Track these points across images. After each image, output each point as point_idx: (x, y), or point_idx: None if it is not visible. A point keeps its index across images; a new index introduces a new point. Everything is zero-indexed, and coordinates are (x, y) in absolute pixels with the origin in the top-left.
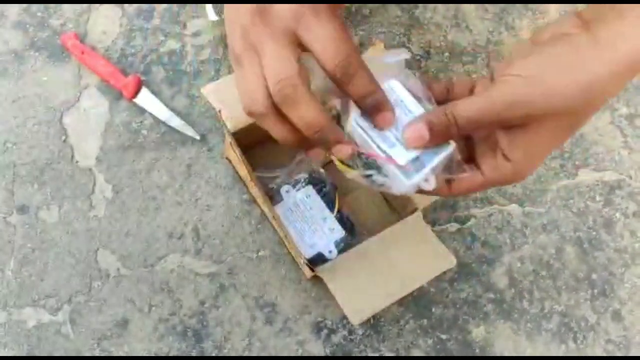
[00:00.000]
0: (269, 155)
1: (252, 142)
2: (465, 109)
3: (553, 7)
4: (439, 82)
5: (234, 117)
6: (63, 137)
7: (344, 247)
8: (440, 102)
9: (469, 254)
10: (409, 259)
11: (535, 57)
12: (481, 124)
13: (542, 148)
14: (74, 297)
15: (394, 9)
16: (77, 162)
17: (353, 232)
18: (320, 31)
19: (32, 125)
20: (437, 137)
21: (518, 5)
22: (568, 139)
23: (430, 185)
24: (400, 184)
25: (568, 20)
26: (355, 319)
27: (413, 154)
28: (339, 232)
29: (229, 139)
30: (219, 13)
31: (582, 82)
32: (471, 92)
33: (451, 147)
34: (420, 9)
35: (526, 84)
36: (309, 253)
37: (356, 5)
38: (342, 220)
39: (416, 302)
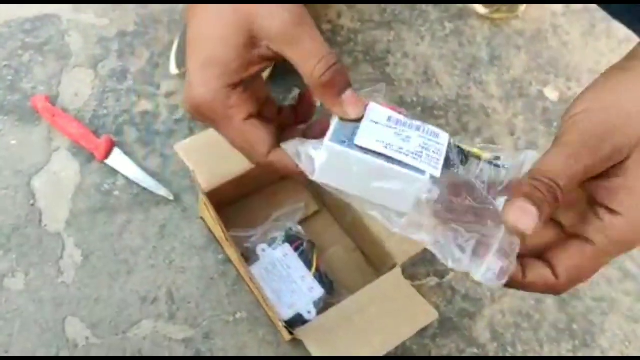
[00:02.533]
0: (245, 213)
1: (227, 200)
2: (556, 163)
3: (517, 62)
4: None
5: (208, 176)
6: (31, 201)
7: (323, 306)
8: None
9: (450, 308)
10: (390, 315)
11: (604, 87)
12: (581, 173)
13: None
14: None
15: (365, 66)
16: (45, 226)
17: (332, 290)
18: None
19: None
20: (547, 212)
21: (484, 62)
22: None
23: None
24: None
25: (620, 62)
26: None
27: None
28: (318, 291)
29: (203, 198)
30: (180, 67)
31: None
32: None
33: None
34: (391, 66)
35: (608, 112)
36: (288, 314)
37: None
38: (321, 278)
39: None
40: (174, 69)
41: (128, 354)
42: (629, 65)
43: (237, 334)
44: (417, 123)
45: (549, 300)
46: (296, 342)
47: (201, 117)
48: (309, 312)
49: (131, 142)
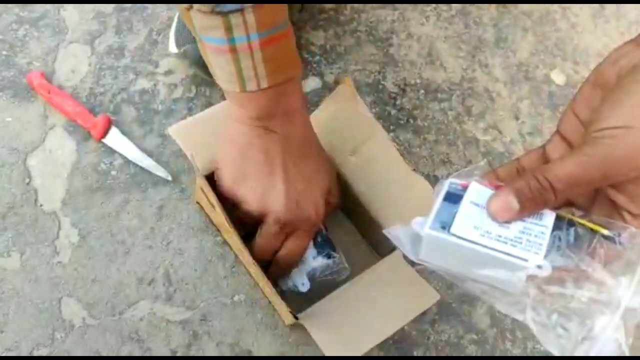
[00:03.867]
0: None
1: None
2: (562, 169)
3: (524, 45)
4: (503, 166)
5: (206, 160)
6: (27, 180)
7: (324, 277)
8: None
9: (450, 293)
10: (391, 298)
11: (623, 103)
12: (585, 185)
13: None
14: (35, 349)
15: (368, 47)
16: (41, 205)
17: (333, 256)
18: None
19: None
20: (529, 207)
21: (490, 44)
22: None
23: (546, 271)
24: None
25: (628, 51)
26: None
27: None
28: (318, 261)
29: (200, 183)
30: (180, 46)
31: None
32: (547, 162)
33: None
34: (394, 47)
35: (630, 132)
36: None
37: (331, 43)
38: (325, 242)
39: (397, 345)
40: (173, 48)
41: (125, 335)
42: None
43: (234, 316)
44: None
45: None
46: (293, 325)
47: (295, 226)
48: (302, 284)
49: (129, 121)
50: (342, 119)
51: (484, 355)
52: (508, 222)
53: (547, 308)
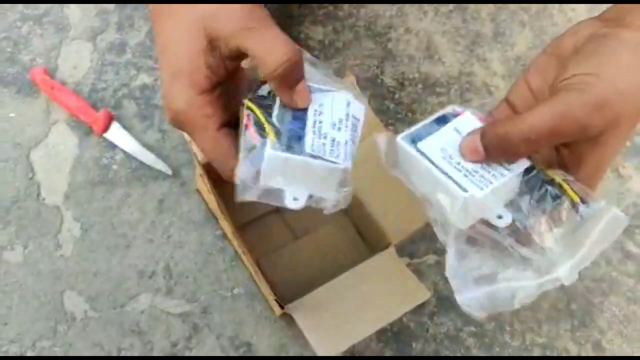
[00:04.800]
0: None
1: None
2: (540, 119)
3: (522, 39)
4: (499, 104)
5: None
6: (30, 174)
7: None
8: None
9: (448, 286)
10: (382, 293)
11: (585, 60)
12: (558, 135)
13: (609, 157)
14: (38, 342)
15: (367, 42)
16: (43, 199)
17: None
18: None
19: None
20: (495, 154)
21: (488, 38)
22: None
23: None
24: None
25: (587, 24)
26: (322, 351)
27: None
28: None
29: (199, 170)
30: None
31: None
32: None
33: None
34: (393, 41)
35: (602, 83)
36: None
37: (329, 38)
38: None
39: (396, 337)
40: None
41: (126, 328)
42: (610, 33)
43: (234, 309)
44: None
45: None
46: (292, 318)
47: (180, 127)
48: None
49: (130, 116)
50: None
51: (482, 347)
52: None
53: (478, 251)
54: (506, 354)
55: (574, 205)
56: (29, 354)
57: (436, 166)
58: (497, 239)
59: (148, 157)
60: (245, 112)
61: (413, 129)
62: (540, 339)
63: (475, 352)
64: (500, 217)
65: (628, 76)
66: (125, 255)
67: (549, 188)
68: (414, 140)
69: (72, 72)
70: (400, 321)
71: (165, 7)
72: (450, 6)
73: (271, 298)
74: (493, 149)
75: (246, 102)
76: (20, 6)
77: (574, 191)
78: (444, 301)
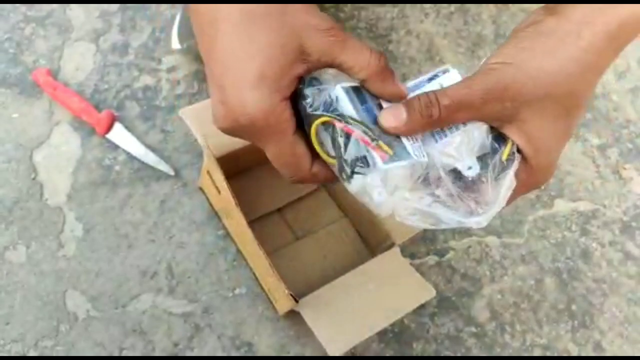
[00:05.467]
0: (251, 184)
1: (232, 171)
2: (451, 91)
3: None
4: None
5: (216, 143)
6: (32, 175)
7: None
8: None
9: (449, 287)
10: (388, 291)
11: (514, 45)
12: (466, 107)
13: (547, 137)
14: (40, 341)
15: (368, 43)
16: (46, 200)
17: None
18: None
19: (1, 163)
20: (416, 119)
21: (489, 40)
22: (575, 124)
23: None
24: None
25: (536, 10)
26: (333, 350)
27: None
28: None
29: (209, 165)
30: (183, 42)
31: (563, 64)
32: None
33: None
34: (394, 43)
35: (513, 70)
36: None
37: None
38: None
39: (397, 338)
40: (175, 44)
41: (128, 328)
42: (540, 20)
43: (236, 309)
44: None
45: (549, 280)
46: (294, 318)
47: (249, 132)
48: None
49: (132, 117)
50: None
51: (483, 347)
52: (395, 130)
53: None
54: (507, 355)
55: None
56: (31, 353)
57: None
58: (449, 186)
59: (150, 158)
60: (342, 125)
61: (409, 82)
62: (541, 340)
63: (475, 353)
64: (470, 167)
65: (541, 60)
66: (127, 255)
67: (495, 144)
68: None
69: (75, 73)
70: (401, 322)
71: (232, 22)
72: (452, 8)
73: (286, 292)
74: (414, 112)
75: (330, 118)
76: (23, 7)
77: (509, 150)
78: (445, 302)
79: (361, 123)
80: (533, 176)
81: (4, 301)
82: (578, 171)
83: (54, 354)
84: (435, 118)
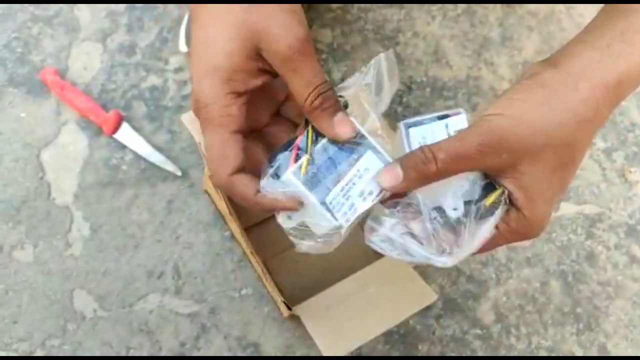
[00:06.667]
0: None
1: None
2: (446, 145)
3: (529, 44)
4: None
5: None
6: (40, 174)
7: None
8: None
9: (455, 289)
10: (388, 296)
11: (509, 96)
12: (463, 160)
13: (547, 190)
14: (47, 340)
15: (375, 45)
16: (54, 199)
17: None
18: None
19: (9, 162)
20: (413, 176)
21: (496, 43)
22: (571, 177)
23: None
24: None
25: (536, 63)
26: (328, 351)
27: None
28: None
29: (208, 170)
30: (190, 44)
31: (558, 115)
32: None
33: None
34: (401, 45)
35: (508, 121)
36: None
37: (338, 41)
38: None
39: (402, 339)
40: (183, 47)
41: (135, 327)
42: (540, 71)
43: (242, 309)
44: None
45: (555, 283)
46: (299, 319)
47: (199, 119)
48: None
49: (139, 117)
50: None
51: (488, 349)
52: (393, 189)
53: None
54: (512, 357)
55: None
56: (39, 352)
57: (410, 148)
58: (426, 222)
59: (157, 158)
60: (303, 131)
61: (418, 117)
62: (546, 342)
63: (481, 355)
64: (455, 209)
65: (536, 111)
66: (134, 255)
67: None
68: (409, 126)
69: (82, 72)
70: (406, 323)
71: (212, 7)
72: (459, 10)
73: (279, 299)
74: (409, 169)
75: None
76: (30, 7)
77: (496, 197)
78: (450, 304)
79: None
80: (525, 226)
81: (11, 300)
82: (584, 174)
83: (61, 353)
84: (433, 173)
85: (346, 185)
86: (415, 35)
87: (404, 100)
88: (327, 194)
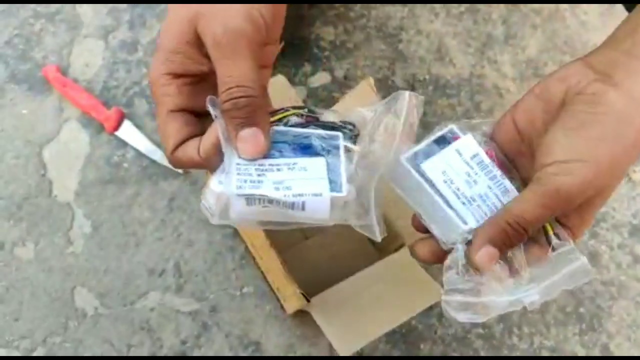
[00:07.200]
0: None
1: None
2: (529, 211)
3: (533, 42)
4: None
5: None
6: (42, 172)
7: None
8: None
9: None
10: (397, 292)
11: (578, 134)
12: (544, 218)
13: (593, 214)
14: (49, 338)
15: (378, 43)
16: (55, 196)
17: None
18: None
19: (10, 159)
20: (505, 248)
21: (499, 41)
22: (608, 194)
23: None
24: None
25: (577, 71)
26: (344, 351)
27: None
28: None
29: None
30: None
31: (631, 145)
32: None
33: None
34: (404, 43)
35: (585, 167)
36: None
37: (341, 38)
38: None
39: (405, 339)
40: None
41: (135, 325)
42: (595, 92)
43: (243, 308)
44: (497, 172)
45: None
46: (301, 318)
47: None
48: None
49: (141, 114)
50: None
51: (490, 349)
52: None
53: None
54: (514, 357)
55: (547, 236)
56: (40, 349)
57: (438, 191)
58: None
59: (159, 156)
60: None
61: (416, 148)
62: (549, 342)
63: (483, 355)
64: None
65: (610, 149)
66: (135, 253)
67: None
68: (416, 161)
69: (84, 69)
70: (408, 323)
71: None
72: (462, 8)
73: (298, 292)
74: (504, 246)
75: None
76: (32, 3)
77: (551, 227)
78: None
79: None
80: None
81: (13, 297)
82: None
83: (62, 351)
84: (524, 239)
85: (271, 166)
86: (418, 32)
87: None
88: (251, 162)
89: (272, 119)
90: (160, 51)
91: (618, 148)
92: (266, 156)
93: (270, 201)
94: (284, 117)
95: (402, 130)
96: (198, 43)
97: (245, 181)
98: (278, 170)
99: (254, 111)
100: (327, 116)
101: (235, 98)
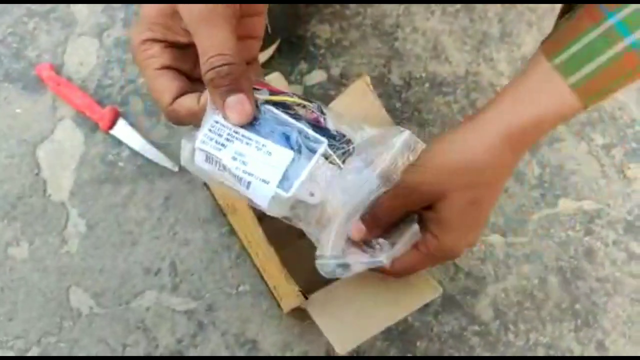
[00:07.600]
0: None
1: None
2: (384, 202)
3: (529, 39)
4: None
5: None
6: (36, 171)
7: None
8: None
9: (453, 285)
10: (395, 290)
11: (431, 146)
12: (397, 208)
13: (458, 222)
14: (43, 337)
15: (374, 41)
16: (49, 196)
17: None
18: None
19: (4, 159)
20: (372, 228)
21: (495, 38)
22: (487, 212)
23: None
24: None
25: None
26: (341, 349)
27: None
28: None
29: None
30: None
31: (462, 159)
32: None
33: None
34: (400, 41)
35: (424, 169)
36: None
37: (336, 36)
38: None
39: (401, 336)
40: None
41: (131, 324)
42: (462, 134)
43: (239, 306)
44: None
45: (553, 280)
46: (298, 316)
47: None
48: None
49: (136, 112)
50: (356, 115)
51: (486, 346)
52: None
53: None
54: (510, 354)
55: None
56: (35, 349)
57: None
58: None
59: (154, 154)
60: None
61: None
62: (544, 339)
63: (479, 352)
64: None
65: (446, 157)
66: (130, 252)
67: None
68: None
69: (79, 68)
70: (405, 320)
71: None
72: (458, 6)
73: (293, 289)
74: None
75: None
76: (26, 3)
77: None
78: (449, 300)
79: None
80: (438, 250)
81: (7, 297)
82: (582, 170)
83: (57, 351)
84: (380, 229)
85: (243, 137)
86: (414, 30)
87: (403, 96)
88: (229, 126)
89: (272, 98)
90: (141, 21)
91: (445, 158)
92: (249, 125)
93: (224, 167)
94: (284, 101)
95: (386, 167)
96: (177, 17)
97: (211, 139)
98: (247, 144)
99: (237, 78)
100: (330, 119)
101: (217, 67)
